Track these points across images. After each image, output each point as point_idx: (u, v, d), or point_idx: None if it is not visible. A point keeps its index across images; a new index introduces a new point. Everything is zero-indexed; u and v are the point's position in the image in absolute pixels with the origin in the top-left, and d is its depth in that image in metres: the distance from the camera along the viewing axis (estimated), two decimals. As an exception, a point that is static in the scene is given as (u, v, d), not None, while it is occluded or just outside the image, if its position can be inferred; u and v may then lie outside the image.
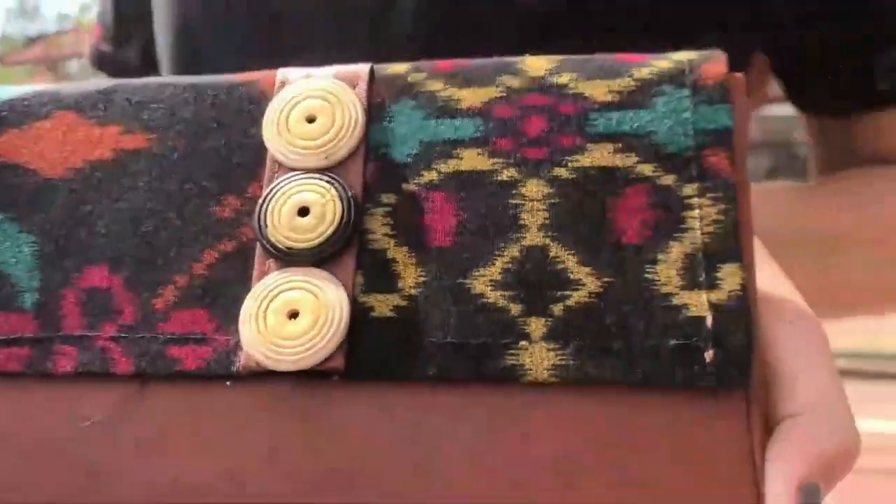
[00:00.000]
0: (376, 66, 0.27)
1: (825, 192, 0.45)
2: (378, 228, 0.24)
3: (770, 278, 0.25)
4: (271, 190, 0.25)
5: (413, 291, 0.24)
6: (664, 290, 0.23)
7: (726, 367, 0.22)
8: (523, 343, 0.23)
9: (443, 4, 0.39)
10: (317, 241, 0.24)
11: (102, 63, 0.56)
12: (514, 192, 0.24)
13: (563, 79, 0.25)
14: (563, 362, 0.22)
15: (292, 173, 0.25)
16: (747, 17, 0.41)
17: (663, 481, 0.21)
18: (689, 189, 0.24)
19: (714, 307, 0.22)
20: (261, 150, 0.26)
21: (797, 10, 0.41)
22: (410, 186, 0.25)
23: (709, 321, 0.22)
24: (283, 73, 0.27)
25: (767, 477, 0.21)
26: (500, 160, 0.25)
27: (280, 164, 0.25)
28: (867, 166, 0.44)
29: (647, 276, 0.23)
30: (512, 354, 0.23)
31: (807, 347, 0.23)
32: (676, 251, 0.23)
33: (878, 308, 0.45)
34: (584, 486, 0.21)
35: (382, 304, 0.24)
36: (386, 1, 0.40)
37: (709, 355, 0.22)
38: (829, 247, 0.41)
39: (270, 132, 0.26)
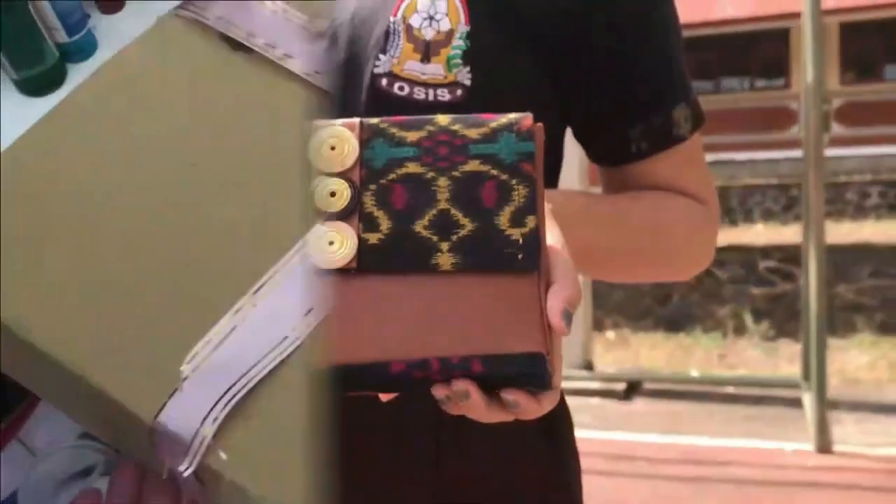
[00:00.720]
0: (363, 119, 0.53)
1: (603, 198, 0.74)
2: (369, 202, 0.51)
3: (551, 227, 0.52)
4: (315, 184, 0.51)
5: (387, 231, 0.50)
6: (502, 227, 0.50)
7: (528, 260, 0.49)
8: (438, 253, 0.50)
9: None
10: (339, 209, 0.50)
11: None
12: (433, 184, 0.51)
13: (455, 127, 0.52)
14: (457, 261, 0.49)
15: (324, 176, 0.51)
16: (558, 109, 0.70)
17: (499, 311, 0.49)
18: (513, 181, 0.51)
19: (522, 235, 0.49)
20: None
21: (586, 108, 0.71)
22: (383, 181, 0.51)
23: (520, 242, 0.49)
24: (314, 123, 0.53)
25: (548, 310, 0.48)
26: (426, 168, 0.51)
27: (318, 171, 0.51)
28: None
29: (495, 222, 0.50)
30: (434, 258, 0.49)
31: (561, 254, 0.51)
32: (508, 210, 0.50)
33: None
34: (461, 311, 0.49)
35: (373, 237, 0.50)
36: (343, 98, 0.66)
37: (521, 256, 0.49)
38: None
39: (313, 155, 0.52)
